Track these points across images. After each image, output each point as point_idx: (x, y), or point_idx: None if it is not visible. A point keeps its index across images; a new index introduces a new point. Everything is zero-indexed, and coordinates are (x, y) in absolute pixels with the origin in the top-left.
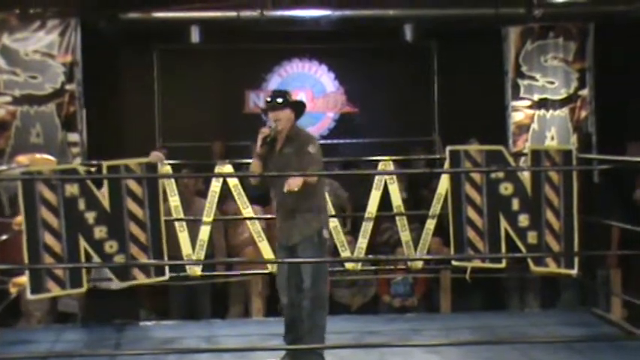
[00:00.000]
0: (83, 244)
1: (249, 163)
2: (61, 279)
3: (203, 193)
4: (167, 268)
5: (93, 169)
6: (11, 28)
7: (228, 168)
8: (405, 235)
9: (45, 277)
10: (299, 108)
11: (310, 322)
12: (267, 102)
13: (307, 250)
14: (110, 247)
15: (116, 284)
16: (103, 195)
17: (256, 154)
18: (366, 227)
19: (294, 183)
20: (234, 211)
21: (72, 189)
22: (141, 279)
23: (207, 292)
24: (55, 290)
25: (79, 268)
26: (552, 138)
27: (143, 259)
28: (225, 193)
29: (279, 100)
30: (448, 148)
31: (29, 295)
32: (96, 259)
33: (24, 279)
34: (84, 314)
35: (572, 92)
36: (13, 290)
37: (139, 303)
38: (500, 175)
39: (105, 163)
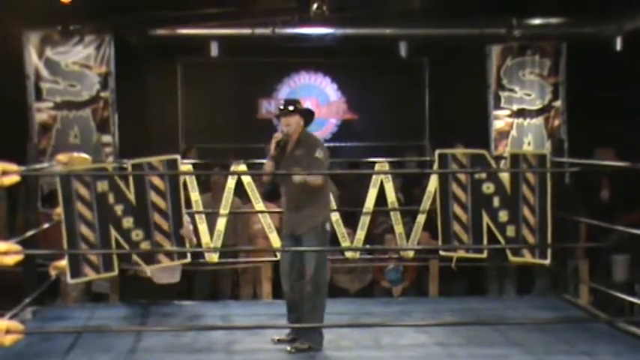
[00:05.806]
0: (114, 233)
1: (261, 163)
2: (95, 265)
3: None
4: (189, 253)
5: (123, 166)
6: (54, 42)
7: (242, 167)
8: (399, 228)
9: (82, 263)
10: (308, 115)
11: (311, 303)
12: (280, 109)
13: (312, 241)
14: (136, 235)
15: (149, 272)
16: (130, 189)
17: (270, 156)
18: (364, 220)
19: (299, 178)
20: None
21: (102, 185)
22: (166, 262)
23: (227, 276)
24: (91, 275)
25: (112, 255)
26: (529, 143)
27: (167, 245)
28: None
29: (290, 107)
30: (437, 152)
31: (69, 280)
32: (125, 246)
33: (63, 263)
34: (115, 295)
35: (547, 103)
36: (53, 273)
37: (165, 285)
38: (483, 175)
39: (130, 162)
